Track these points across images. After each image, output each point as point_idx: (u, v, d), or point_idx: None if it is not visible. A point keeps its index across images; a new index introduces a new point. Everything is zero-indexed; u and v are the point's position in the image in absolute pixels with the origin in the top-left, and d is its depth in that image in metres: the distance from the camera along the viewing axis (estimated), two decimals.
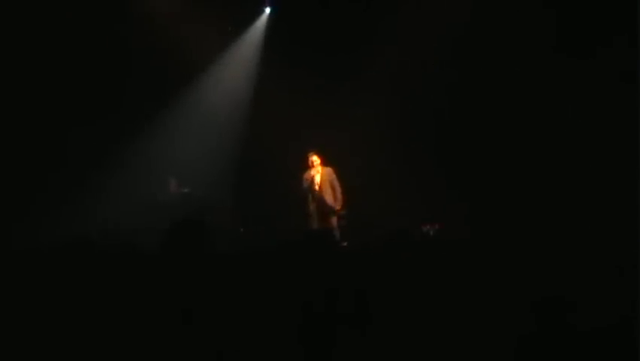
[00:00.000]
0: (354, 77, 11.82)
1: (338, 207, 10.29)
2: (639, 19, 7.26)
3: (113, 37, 11.25)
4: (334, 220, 10.29)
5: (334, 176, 10.26)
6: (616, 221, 7.56)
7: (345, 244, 9.08)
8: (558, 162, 10.52)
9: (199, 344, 3.64)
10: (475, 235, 8.13)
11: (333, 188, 10.29)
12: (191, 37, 11.54)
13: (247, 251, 6.36)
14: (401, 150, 11.69)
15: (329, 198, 10.21)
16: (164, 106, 12.07)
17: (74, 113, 11.08)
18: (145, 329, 3.64)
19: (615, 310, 3.72)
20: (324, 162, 10.33)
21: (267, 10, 12.67)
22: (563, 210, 9.66)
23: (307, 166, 10.34)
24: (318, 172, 10.24)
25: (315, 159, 10.26)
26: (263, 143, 12.03)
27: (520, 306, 3.72)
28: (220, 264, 4.33)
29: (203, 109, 12.31)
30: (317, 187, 10.18)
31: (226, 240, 9.50)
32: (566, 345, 3.46)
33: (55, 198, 10.51)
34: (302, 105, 11.55)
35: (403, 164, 11.47)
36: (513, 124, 10.90)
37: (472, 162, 11.37)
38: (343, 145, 11.16)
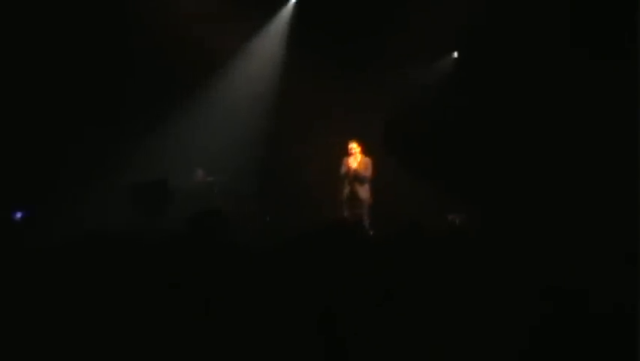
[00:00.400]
0: (380, 64, 11.75)
1: (367, 201, 10.32)
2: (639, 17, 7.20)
3: (138, 29, 11.28)
4: (365, 208, 10.30)
5: (370, 166, 10.31)
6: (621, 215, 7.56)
7: (372, 232, 9.09)
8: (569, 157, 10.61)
9: (218, 336, 3.64)
10: (490, 227, 8.16)
11: (367, 177, 10.34)
12: (218, 27, 11.53)
13: (272, 241, 6.33)
14: (429, 138, 11.67)
15: (362, 187, 10.29)
16: (191, 96, 12.10)
17: (96, 103, 11.13)
18: (164, 320, 3.64)
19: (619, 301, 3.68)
20: (364, 152, 10.38)
21: None
22: (573, 203, 9.74)
23: (347, 153, 10.36)
24: (356, 160, 10.33)
25: (355, 147, 10.34)
26: (290, 131, 12.03)
27: (532, 296, 3.69)
28: (242, 255, 4.32)
29: (230, 98, 12.33)
30: (352, 175, 10.26)
31: (252, 229, 9.53)
32: (576, 333, 3.43)
33: (77, 192, 10.61)
34: (329, 93, 11.56)
35: (431, 151, 11.48)
36: (529, 118, 10.98)
37: (488, 153, 11.46)
38: (370, 133, 11.13)
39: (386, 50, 11.68)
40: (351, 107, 11.63)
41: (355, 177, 10.18)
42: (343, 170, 10.30)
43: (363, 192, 10.25)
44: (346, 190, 10.28)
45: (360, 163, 10.26)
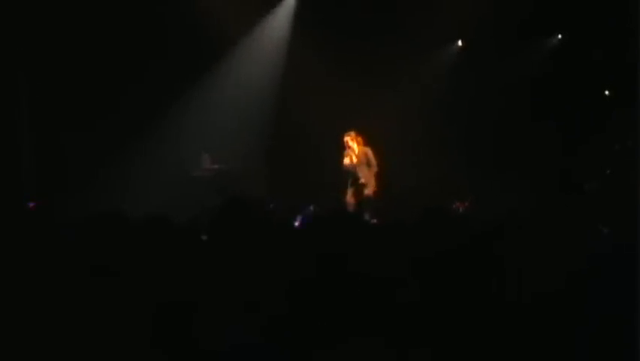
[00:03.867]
0: (389, 48, 11.74)
1: (370, 191, 10.39)
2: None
3: (147, 10, 11.27)
4: (369, 199, 10.39)
5: (370, 156, 10.38)
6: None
7: (375, 221, 9.16)
8: None
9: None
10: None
11: (369, 168, 10.45)
12: (225, 9, 11.48)
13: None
14: (438, 123, 11.73)
15: (364, 177, 10.40)
16: (197, 80, 12.01)
17: (103, 88, 11.14)
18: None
19: None
20: (364, 143, 10.44)
21: None
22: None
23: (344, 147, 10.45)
24: (354, 152, 10.37)
25: (349, 140, 10.37)
26: (297, 115, 11.94)
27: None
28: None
29: (237, 81, 12.20)
30: (353, 168, 10.37)
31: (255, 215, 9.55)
32: None
33: (86, 176, 10.72)
34: (337, 76, 11.51)
35: (439, 138, 11.55)
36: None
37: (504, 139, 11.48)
38: (379, 116, 11.19)
39: (397, 27, 11.68)
40: (362, 88, 11.63)
41: (357, 172, 10.28)
42: (344, 167, 10.38)
43: (369, 182, 10.34)
44: (350, 182, 10.39)
45: (359, 155, 10.31)
